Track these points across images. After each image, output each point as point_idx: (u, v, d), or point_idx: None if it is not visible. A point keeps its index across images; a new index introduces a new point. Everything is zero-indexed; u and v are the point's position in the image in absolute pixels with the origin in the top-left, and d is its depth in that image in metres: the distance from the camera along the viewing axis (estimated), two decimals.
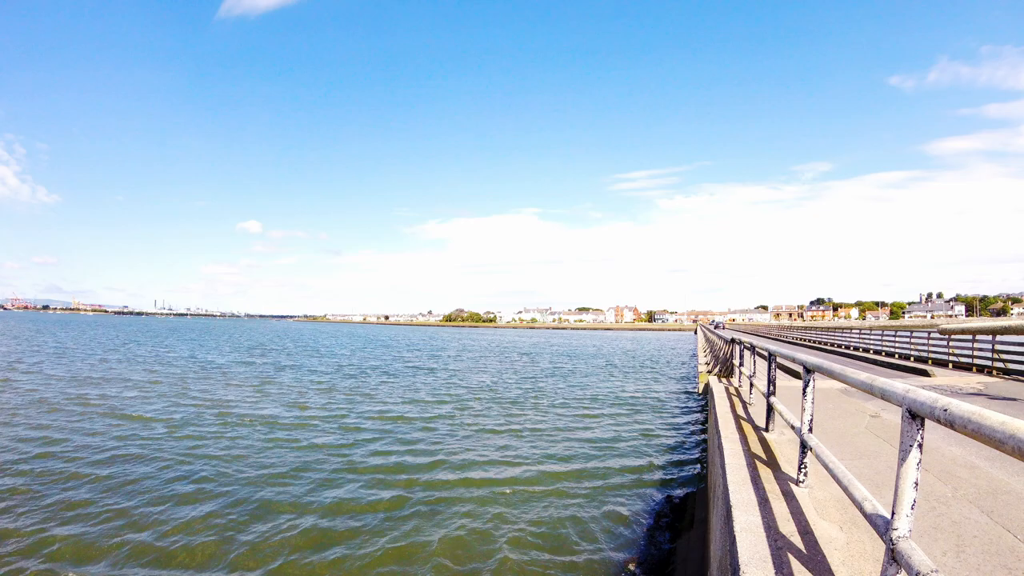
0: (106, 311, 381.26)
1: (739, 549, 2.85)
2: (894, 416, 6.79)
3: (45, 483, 9.21)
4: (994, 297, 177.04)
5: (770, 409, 5.65)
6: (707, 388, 12.00)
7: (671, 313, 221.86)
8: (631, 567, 6.67)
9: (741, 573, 2.63)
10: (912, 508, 1.90)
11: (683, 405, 19.10)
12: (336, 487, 9.32)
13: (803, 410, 3.69)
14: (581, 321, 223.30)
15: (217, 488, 9.12)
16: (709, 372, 18.50)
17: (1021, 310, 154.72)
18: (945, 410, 1.64)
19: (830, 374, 3.12)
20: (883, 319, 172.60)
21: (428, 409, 17.01)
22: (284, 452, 11.48)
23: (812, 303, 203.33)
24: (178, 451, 11.30)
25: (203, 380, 22.95)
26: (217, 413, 15.51)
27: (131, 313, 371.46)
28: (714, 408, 7.78)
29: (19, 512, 7.88)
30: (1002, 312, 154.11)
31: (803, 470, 3.88)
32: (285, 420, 14.85)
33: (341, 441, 12.57)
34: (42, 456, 10.75)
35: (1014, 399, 8.36)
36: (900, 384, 2.11)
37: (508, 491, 9.27)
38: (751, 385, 8.00)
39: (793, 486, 3.87)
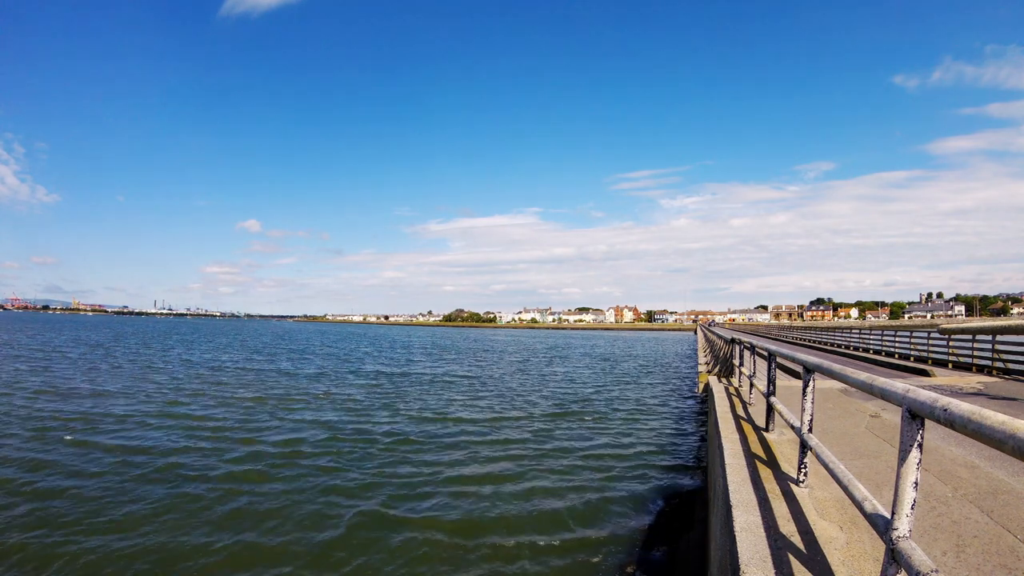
0: (106, 311, 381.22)
1: (739, 549, 2.85)
2: (894, 416, 6.79)
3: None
4: (994, 297, 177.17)
5: (770, 409, 5.64)
6: (707, 388, 11.99)
7: (671, 313, 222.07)
8: (630, 569, 6.67)
9: (741, 573, 2.63)
10: (912, 508, 1.90)
11: (684, 404, 19.11)
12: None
13: (803, 410, 3.69)
14: (581, 321, 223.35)
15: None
16: (709, 372, 18.50)
17: (1021, 310, 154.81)
18: (945, 410, 1.64)
19: (830, 374, 3.12)
20: (883, 319, 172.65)
21: (493, 430, 14.17)
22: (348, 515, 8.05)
23: (812, 303, 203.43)
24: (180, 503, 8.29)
25: (218, 392, 20.97)
26: (236, 442, 12.01)
27: (131, 313, 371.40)
28: (714, 408, 7.78)
29: None
30: (1002, 312, 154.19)
31: (803, 470, 3.88)
32: (323, 453, 11.27)
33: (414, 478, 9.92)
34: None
35: (1014, 399, 8.36)
36: (900, 384, 2.11)
37: (510, 494, 9.27)
38: (751, 385, 7.99)
39: (793, 486, 3.86)
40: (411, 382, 24.41)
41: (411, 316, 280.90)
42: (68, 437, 12.08)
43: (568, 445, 12.51)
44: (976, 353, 14.02)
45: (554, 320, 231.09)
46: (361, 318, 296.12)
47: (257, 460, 10.75)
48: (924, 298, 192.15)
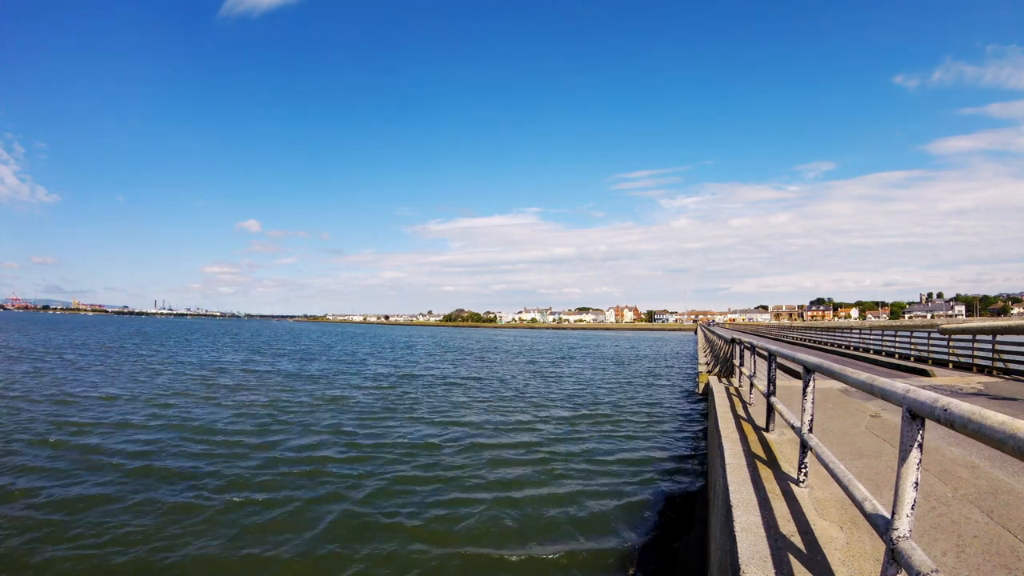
0: (106, 311, 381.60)
1: (739, 549, 2.85)
2: (894, 416, 6.79)
3: None
4: (994, 297, 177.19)
5: (770, 409, 5.64)
6: (707, 388, 11.99)
7: (671, 313, 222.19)
8: (630, 569, 6.67)
9: (741, 573, 2.63)
10: (912, 508, 1.90)
11: (685, 404, 19.10)
12: None
13: (803, 410, 3.69)
14: (581, 321, 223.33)
15: None
16: (709, 372, 18.50)
17: (1021, 310, 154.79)
18: (945, 410, 1.64)
19: (830, 374, 3.12)
20: (883, 319, 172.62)
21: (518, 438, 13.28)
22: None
23: (812, 303, 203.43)
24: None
25: (221, 395, 20.62)
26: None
27: (131, 313, 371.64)
28: (714, 408, 7.78)
29: None
30: (1002, 312, 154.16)
31: (803, 470, 3.88)
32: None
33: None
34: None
35: (1014, 399, 8.36)
36: (900, 384, 2.11)
37: (516, 496, 9.28)
38: (751, 385, 7.99)
39: (793, 486, 3.86)
40: (417, 384, 24.30)
41: (411, 316, 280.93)
42: (68, 443, 11.92)
43: (574, 448, 12.49)
44: (976, 353, 14.02)
45: (554, 320, 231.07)
46: (361, 318, 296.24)
47: (266, 467, 10.47)
48: (924, 298, 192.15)
